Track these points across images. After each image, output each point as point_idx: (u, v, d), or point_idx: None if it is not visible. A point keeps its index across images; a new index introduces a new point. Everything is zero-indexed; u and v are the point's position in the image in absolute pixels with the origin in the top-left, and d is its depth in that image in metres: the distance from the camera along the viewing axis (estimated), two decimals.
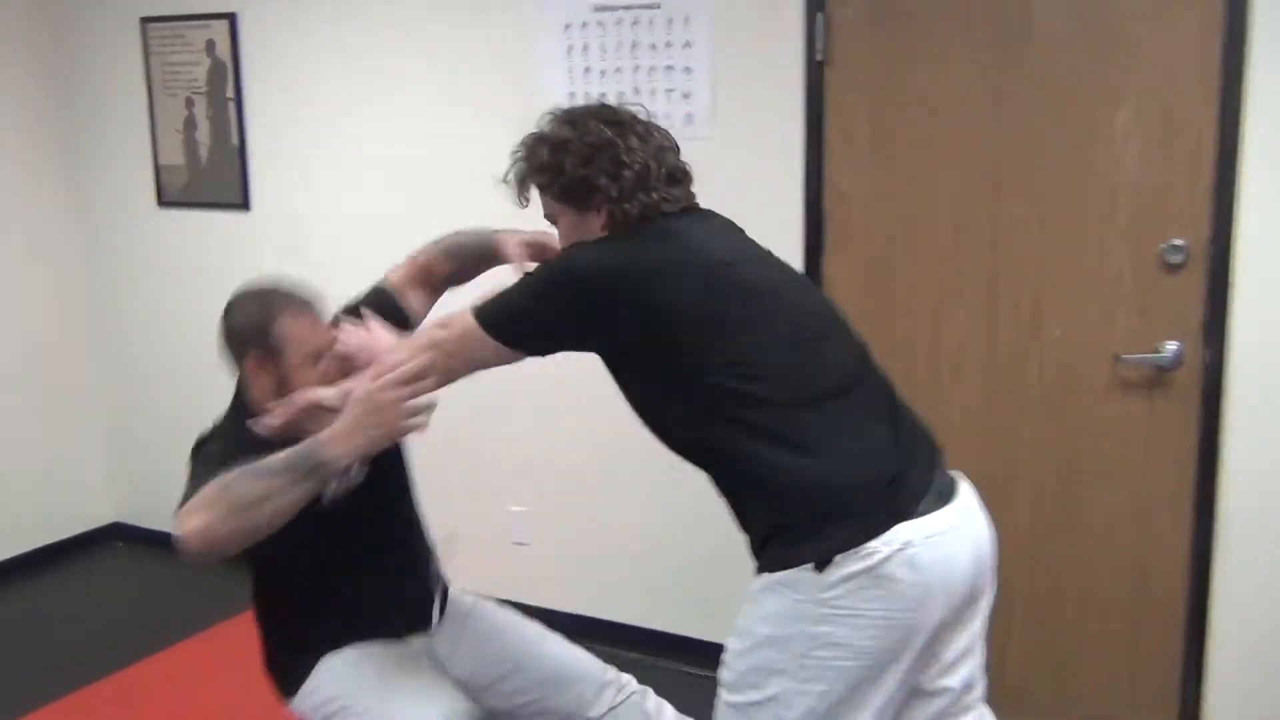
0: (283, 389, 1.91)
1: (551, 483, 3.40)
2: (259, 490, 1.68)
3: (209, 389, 4.03)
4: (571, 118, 1.76)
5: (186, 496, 1.78)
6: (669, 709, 2.21)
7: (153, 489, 4.29)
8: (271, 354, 1.92)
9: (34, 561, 4.00)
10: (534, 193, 1.84)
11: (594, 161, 1.70)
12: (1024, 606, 2.73)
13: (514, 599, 3.52)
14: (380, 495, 2.07)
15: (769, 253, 1.81)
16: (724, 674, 1.71)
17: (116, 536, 4.34)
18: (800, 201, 2.86)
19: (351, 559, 2.05)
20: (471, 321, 1.71)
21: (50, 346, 4.13)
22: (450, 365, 1.72)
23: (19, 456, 4.04)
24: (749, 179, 2.91)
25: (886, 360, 1.83)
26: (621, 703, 2.16)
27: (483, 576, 3.58)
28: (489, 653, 2.17)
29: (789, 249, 2.83)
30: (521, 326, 1.71)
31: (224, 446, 1.90)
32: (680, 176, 1.79)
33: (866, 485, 1.60)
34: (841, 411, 1.65)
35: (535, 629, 2.25)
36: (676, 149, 1.81)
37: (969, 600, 1.68)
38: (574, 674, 2.17)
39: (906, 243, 2.76)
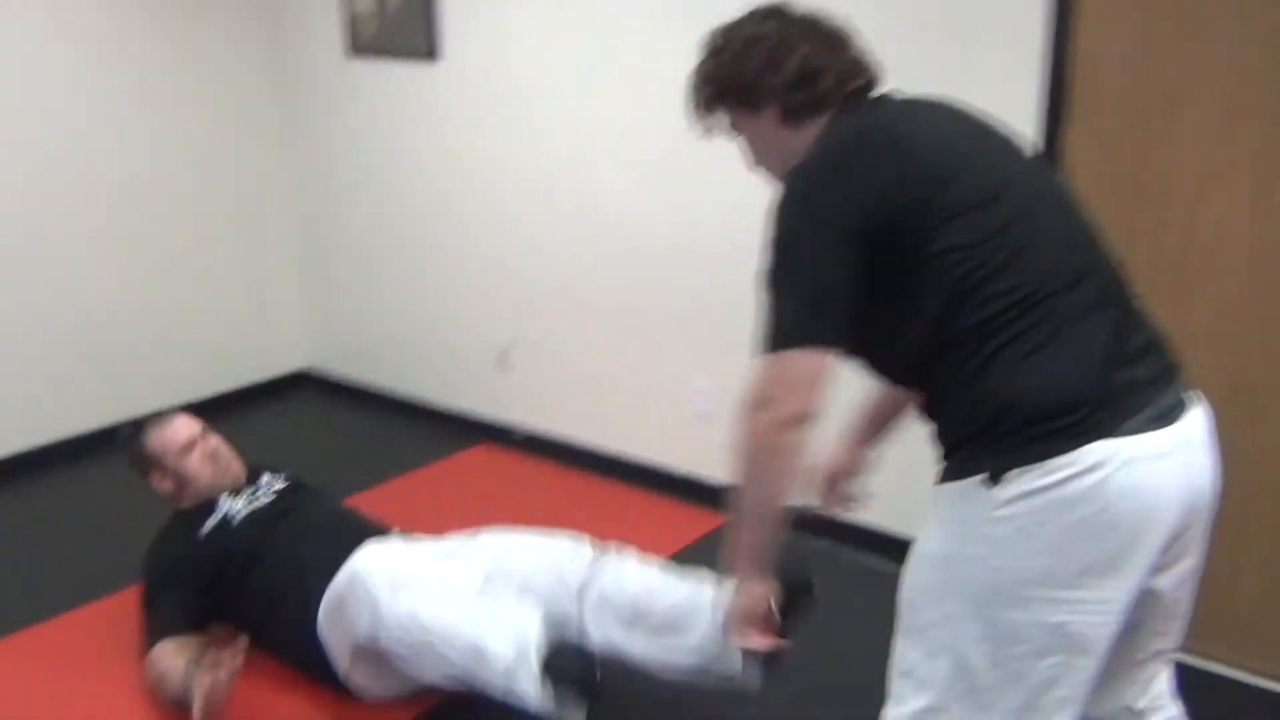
0: (181, 484, 2.57)
1: (740, 356, 3.23)
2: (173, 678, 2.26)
3: (398, 240, 4.04)
4: (727, 23, 1.71)
5: (143, 630, 2.42)
6: (631, 559, 2.37)
7: (342, 337, 4.37)
8: (159, 464, 2.57)
9: (227, 403, 4.13)
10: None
11: (750, 55, 1.64)
12: (1266, 538, 2.43)
13: (694, 475, 3.47)
14: (296, 499, 2.58)
15: (990, 128, 1.60)
16: (901, 591, 1.58)
17: (306, 383, 4.46)
18: (1039, 62, 2.53)
19: (294, 555, 2.40)
20: (770, 359, 1.53)
21: (245, 196, 4.19)
22: (809, 406, 1.52)
23: (215, 302, 4.16)
24: (979, 34, 2.60)
25: (1128, 250, 1.60)
26: (597, 558, 2.35)
27: (664, 452, 3.51)
28: (471, 553, 2.37)
29: (1022, 117, 2.52)
30: (801, 316, 1.52)
31: (159, 561, 2.49)
32: (856, 67, 1.64)
33: (1067, 395, 1.40)
34: (1060, 310, 1.44)
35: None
36: (850, 40, 1.67)
37: (1167, 545, 1.46)
38: (550, 550, 2.37)
39: (1166, 114, 2.40)
